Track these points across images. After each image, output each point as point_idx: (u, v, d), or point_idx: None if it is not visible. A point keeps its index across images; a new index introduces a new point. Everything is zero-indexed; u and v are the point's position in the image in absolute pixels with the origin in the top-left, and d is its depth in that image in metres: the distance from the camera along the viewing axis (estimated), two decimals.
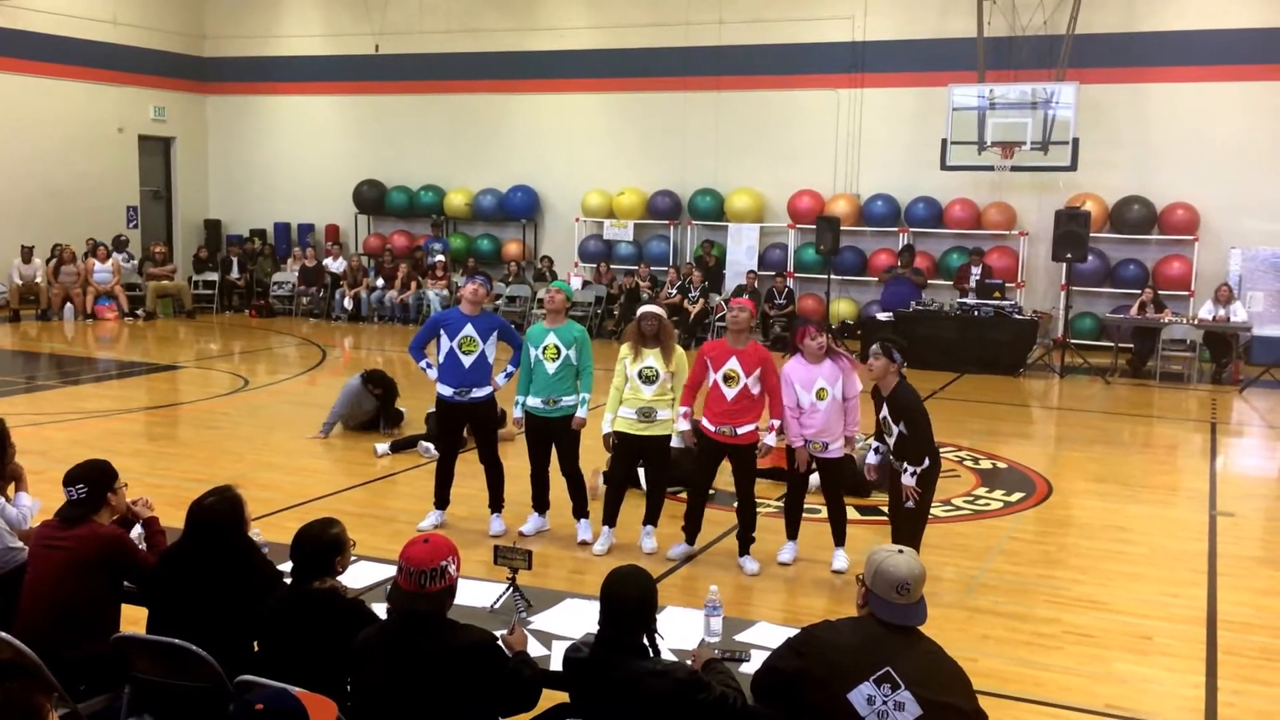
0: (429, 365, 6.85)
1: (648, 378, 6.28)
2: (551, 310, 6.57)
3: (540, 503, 6.88)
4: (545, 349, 6.49)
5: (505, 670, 3.35)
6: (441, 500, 6.97)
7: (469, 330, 6.63)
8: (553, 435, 6.64)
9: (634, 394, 6.33)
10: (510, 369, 6.82)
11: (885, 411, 5.81)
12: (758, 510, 6.44)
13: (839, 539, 6.34)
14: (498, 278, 17.76)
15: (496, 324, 6.82)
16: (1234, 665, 5.20)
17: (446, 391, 6.73)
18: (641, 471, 7.24)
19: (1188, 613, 5.87)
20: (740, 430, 6.14)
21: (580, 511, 6.77)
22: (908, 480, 5.68)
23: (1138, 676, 5.09)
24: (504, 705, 3.38)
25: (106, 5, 18.89)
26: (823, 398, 6.07)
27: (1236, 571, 6.53)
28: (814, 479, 6.57)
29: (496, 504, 6.90)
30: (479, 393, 6.73)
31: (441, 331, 6.69)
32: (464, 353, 6.62)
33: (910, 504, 5.70)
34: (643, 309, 6.50)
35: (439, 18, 18.81)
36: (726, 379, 6.10)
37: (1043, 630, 5.56)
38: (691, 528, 6.49)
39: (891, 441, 5.81)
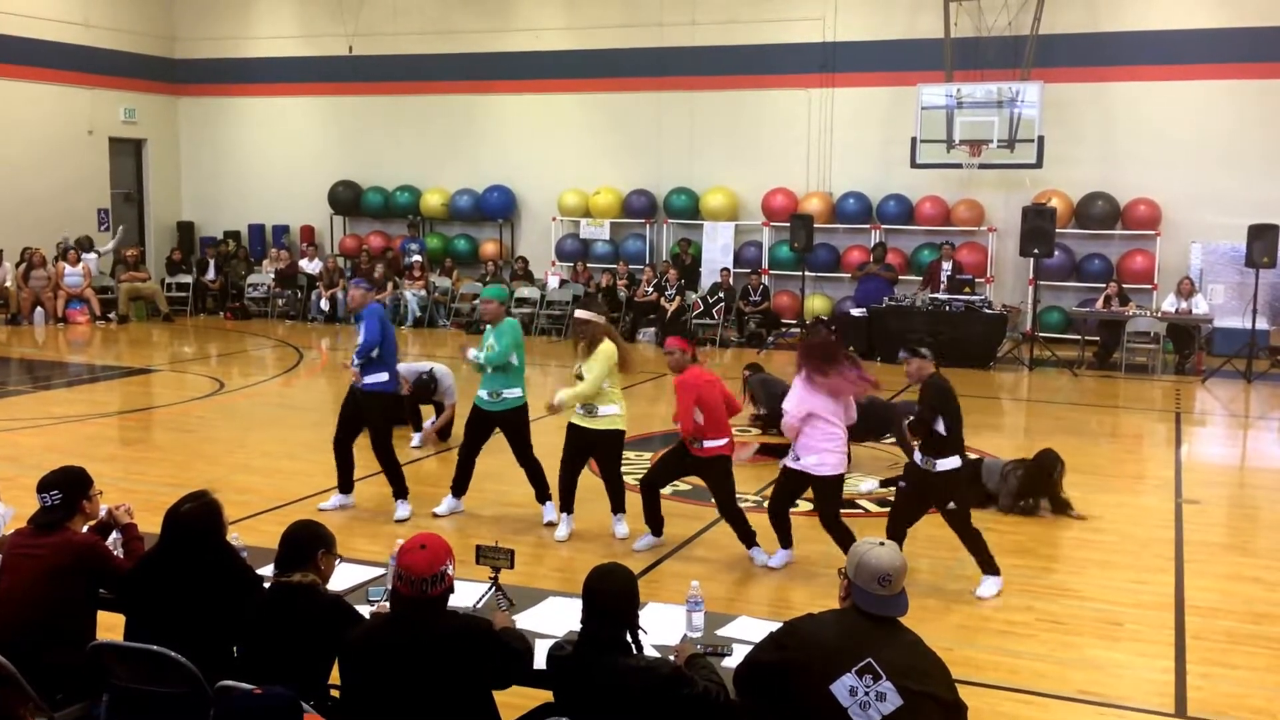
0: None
1: (581, 378, 6.71)
2: (486, 320, 7.11)
3: (459, 487, 7.24)
4: (486, 348, 7.01)
5: (500, 646, 3.42)
6: (345, 485, 7.37)
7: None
8: (499, 429, 7.06)
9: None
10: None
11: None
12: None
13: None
14: (474, 277, 17.74)
15: (366, 313, 7.15)
16: (1202, 649, 5.32)
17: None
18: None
19: (1156, 599, 5.99)
20: (706, 444, 6.33)
21: (542, 496, 7.12)
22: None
23: (1109, 662, 5.21)
24: (497, 675, 3.45)
25: (77, 7, 18.67)
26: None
27: (1202, 558, 6.68)
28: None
29: (399, 492, 7.28)
30: (369, 380, 7.13)
31: None
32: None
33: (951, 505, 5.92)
34: (576, 313, 6.88)
35: (413, 19, 18.74)
36: None
37: (1016, 618, 5.67)
38: (653, 522, 6.64)
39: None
